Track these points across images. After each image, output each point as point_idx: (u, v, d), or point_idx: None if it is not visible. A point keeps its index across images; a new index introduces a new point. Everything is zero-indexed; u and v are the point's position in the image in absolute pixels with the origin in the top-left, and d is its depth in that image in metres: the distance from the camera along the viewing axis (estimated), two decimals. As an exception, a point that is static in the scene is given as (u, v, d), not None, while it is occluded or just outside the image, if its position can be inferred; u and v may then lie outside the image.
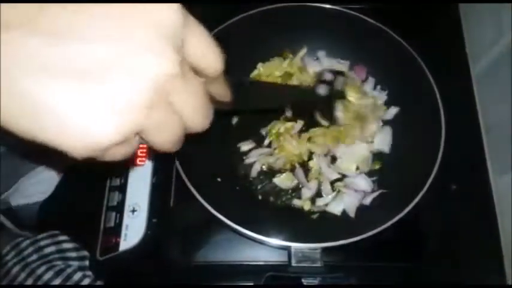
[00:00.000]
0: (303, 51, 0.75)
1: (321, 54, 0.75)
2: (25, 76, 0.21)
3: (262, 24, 0.70)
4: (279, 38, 0.73)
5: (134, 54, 0.23)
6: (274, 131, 0.70)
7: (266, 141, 0.70)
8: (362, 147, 0.68)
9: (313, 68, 0.74)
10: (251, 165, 0.68)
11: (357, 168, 0.67)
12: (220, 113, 0.31)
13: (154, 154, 0.61)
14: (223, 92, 0.32)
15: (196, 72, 0.27)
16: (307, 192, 0.66)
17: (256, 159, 0.68)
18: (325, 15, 0.70)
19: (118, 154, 0.25)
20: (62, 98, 0.22)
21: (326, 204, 0.65)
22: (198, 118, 0.27)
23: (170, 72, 0.24)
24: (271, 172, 0.68)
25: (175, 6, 0.24)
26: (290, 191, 0.67)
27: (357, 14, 0.69)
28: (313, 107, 0.67)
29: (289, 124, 0.70)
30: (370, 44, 0.70)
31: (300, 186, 0.67)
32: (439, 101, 0.62)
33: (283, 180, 0.67)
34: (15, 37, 0.21)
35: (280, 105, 0.64)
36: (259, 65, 0.74)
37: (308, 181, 0.67)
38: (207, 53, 0.27)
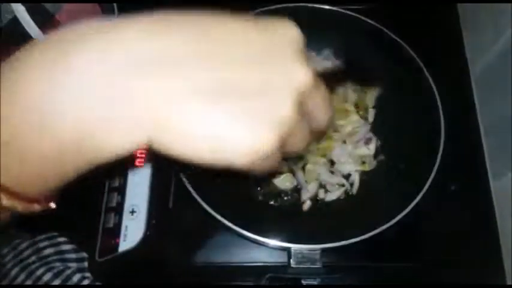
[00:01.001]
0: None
1: (318, 55, 0.75)
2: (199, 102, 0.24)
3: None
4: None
5: (278, 72, 0.26)
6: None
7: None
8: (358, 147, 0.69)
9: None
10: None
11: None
12: None
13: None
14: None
15: None
16: (306, 194, 0.66)
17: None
18: (323, 16, 0.70)
19: (263, 166, 0.28)
20: (225, 121, 0.24)
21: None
22: (326, 118, 0.30)
23: (310, 82, 0.26)
24: (271, 173, 0.68)
25: (295, 26, 0.28)
26: (290, 191, 0.67)
27: (355, 15, 0.69)
28: None
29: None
30: (368, 45, 0.70)
31: (299, 187, 0.67)
32: (438, 101, 0.62)
33: (282, 182, 0.67)
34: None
35: None
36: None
37: (307, 182, 0.67)
38: (322, 114, 0.30)
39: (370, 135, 0.70)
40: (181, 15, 0.26)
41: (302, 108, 0.27)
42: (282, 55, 0.26)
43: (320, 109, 0.29)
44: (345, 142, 0.69)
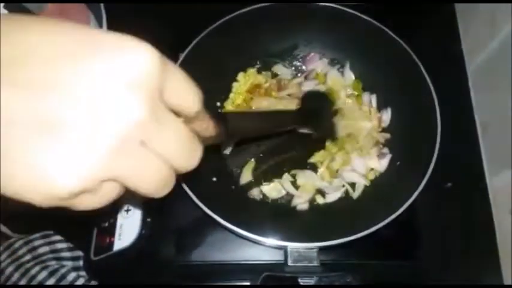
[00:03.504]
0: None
1: (316, 54, 0.75)
2: None
3: (257, 21, 0.70)
4: (273, 37, 0.73)
5: (100, 103, 0.22)
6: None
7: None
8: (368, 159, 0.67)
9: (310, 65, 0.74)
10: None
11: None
12: (212, 148, 0.32)
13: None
14: (206, 128, 0.32)
15: (177, 112, 0.27)
16: (298, 200, 0.65)
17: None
18: (320, 14, 0.70)
19: (89, 203, 0.24)
20: (23, 148, 0.22)
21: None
22: (184, 158, 0.27)
23: (138, 120, 0.23)
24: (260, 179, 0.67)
25: (151, 53, 0.24)
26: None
27: (352, 12, 0.68)
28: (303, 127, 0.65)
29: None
30: (365, 42, 0.70)
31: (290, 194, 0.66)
32: (435, 98, 0.62)
33: (270, 191, 0.66)
34: None
35: (268, 131, 0.60)
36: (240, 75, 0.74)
37: (300, 191, 0.66)
38: (184, 95, 0.27)
39: (386, 151, 0.68)
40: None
41: (134, 147, 0.24)
42: (115, 87, 0.22)
43: (171, 150, 0.26)
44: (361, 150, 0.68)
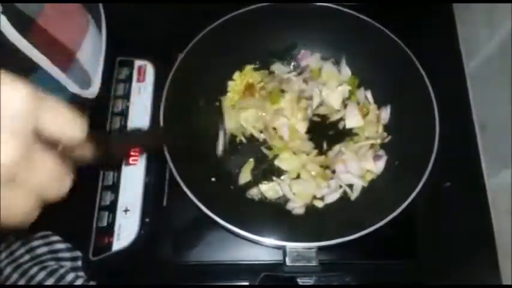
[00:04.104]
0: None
1: (315, 53, 0.75)
2: None
3: (255, 21, 0.70)
4: (271, 37, 0.74)
5: None
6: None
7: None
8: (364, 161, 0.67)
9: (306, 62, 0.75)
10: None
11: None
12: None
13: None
14: (85, 153, 0.33)
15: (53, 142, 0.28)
16: (293, 204, 0.65)
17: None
18: (319, 13, 0.70)
19: None
20: None
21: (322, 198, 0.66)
22: (52, 190, 0.27)
23: (5, 163, 0.24)
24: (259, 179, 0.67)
25: (22, 93, 0.24)
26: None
27: (351, 12, 0.68)
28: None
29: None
30: (364, 42, 0.70)
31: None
32: (433, 99, 0.62)
33: (268, 190, 0.65)
34: None
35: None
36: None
37: (297, 196, 0.65)
38: (64, 126, 0.27)
39: (382, 152, 0.68)
40: None
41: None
42: None
43: (37, 184, 0.26)
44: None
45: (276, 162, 0.67)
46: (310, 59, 0.75)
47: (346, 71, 0.74)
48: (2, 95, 0.24)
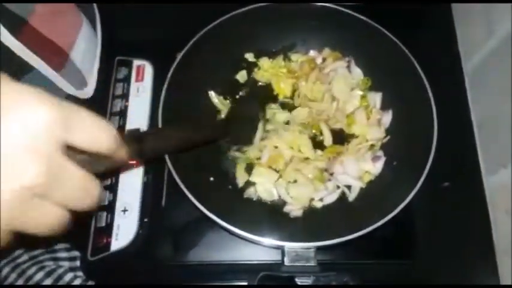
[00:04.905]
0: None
1: (314, 53, 0.75)
2: None
3: (254, 21, 0.70)
4: (270, 36, 0.74)
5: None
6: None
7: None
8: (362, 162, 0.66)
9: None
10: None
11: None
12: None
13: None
14: (120, 159, 0.33)
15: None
16: (291, 207, 0.64)
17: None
18: (318, 14, 0.70)
19: None
20: None
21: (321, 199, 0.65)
22: (80, 202, 0.28)
23: (31, 181, 0.24)
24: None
25: (49, 108, 0.24)
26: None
27: (350, 12, 0.68)
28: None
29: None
30: (363, 42, 0.70)
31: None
32: (432, 98, 0.62)
33: (263, 192, 0.65)
34: None
35: (188, 146, 0.58)
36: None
37: (294, 200, 0.64)
38: (96, 136, 0.28)
39: (380, 153, 0.67)
40: None
41: (26, 203, 0.25)
42: (12, 150, 0.23)
43: (66, 199, 0.27)
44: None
45: (251, 178, 0.65)
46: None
47: (357, 72, 0.72)
48: (28, 112, 0.24)
